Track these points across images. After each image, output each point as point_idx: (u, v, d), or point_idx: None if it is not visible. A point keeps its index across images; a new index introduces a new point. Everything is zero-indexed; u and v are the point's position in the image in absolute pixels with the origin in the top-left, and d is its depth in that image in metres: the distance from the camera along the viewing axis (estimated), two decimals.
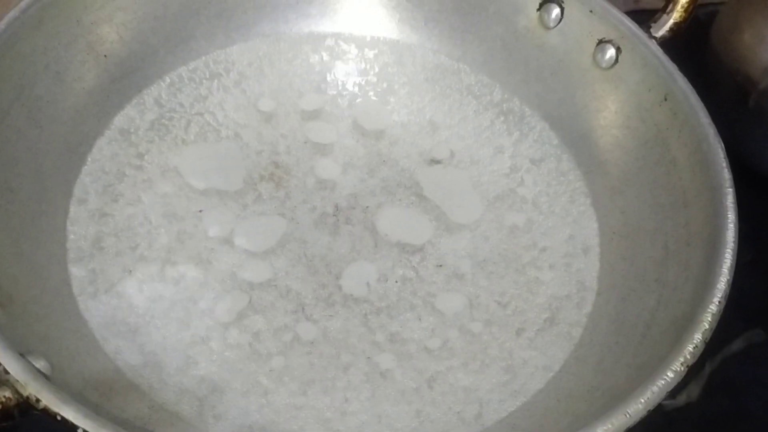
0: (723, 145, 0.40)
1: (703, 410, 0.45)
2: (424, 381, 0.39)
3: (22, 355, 0.30)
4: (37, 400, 0.28)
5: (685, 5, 0.44)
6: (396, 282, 0.43)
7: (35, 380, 0.29)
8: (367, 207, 0.46)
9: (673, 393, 0.45)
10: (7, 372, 0.29)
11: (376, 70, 0.52)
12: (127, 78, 0.47)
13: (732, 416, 0.45)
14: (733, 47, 0.52)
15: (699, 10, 0.62)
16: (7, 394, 0.28)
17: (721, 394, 0.45)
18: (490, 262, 0.44)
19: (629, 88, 0.46)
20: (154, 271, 0.41)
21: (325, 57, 0.52)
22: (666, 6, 0.45)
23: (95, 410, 0.29)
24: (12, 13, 0.41)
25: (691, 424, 0.44)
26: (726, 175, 0.38)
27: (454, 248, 0.44)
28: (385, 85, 0.51)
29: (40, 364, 0.31)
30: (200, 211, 0.44)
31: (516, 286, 0.43)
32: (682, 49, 0.46)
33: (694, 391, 0.46)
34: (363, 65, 0.52)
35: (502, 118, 0.50)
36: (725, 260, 0.34)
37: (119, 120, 0.47)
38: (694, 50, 0.54)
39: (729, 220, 0.36)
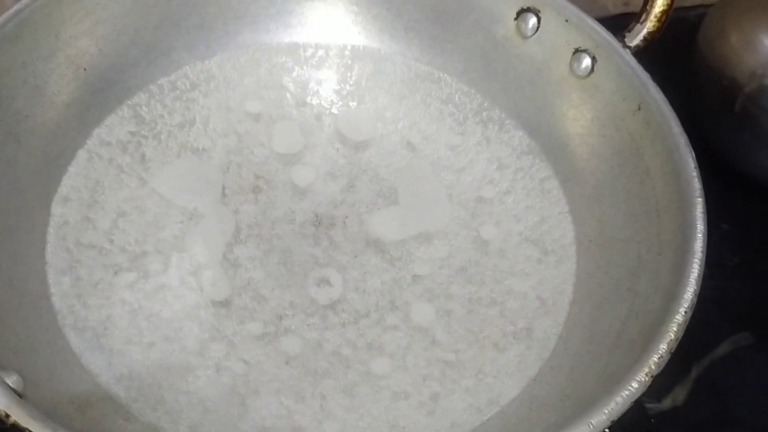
0: (694, 154, 0.40)
1: (689, 414, 0.45)
2: (399, 391, 0.39)
3: None
4: (7, 415, 0.28)
5: (659, 15, 0.44)
6: (373, 291, 0.43)
7: (4, 396, 0.29)
8: (347, 216, 0.47)
9: (659, 397, 0.46)
10: None
11: (357, 79, 0.53)
12: (107, 90, 0.48)
13: (718, 420, 0.45)
14: (719, 51, 0.52)
15: (688, 12, 0.62)
16: None
17: (708, 398, 0.46)
18: (466, 271, 0.44)
19: (605, 97, 0.46)
20: (133, 284, 0.41)
21: (306, 67, 0.53)
22: (640, 16, 0.45)
23: (67, 425, 0.29)
24: None
25: (677, 428, 0.45)
26: (696, 185, 0.39)
27: (431, 257, 0.45)
28: (364, 94, 0.51)
29: (12, 379, 0.31)
30: (180, 222, 0.45)
31: (491, 293, 0.43)
32: (669, 52, 0.46)
33: (680, 394, 0.46)
34: (343, 74, 0.53)
35: (481, 127, 0.50)
36: (692, 270, 0.35)
37: (99, 132, 0.47)
38: (682, 53, 0.55)
39: (698, 230, 0.37)
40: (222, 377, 0.39)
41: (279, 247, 0.44)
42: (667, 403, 0.46)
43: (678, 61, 0.47)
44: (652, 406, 0.46)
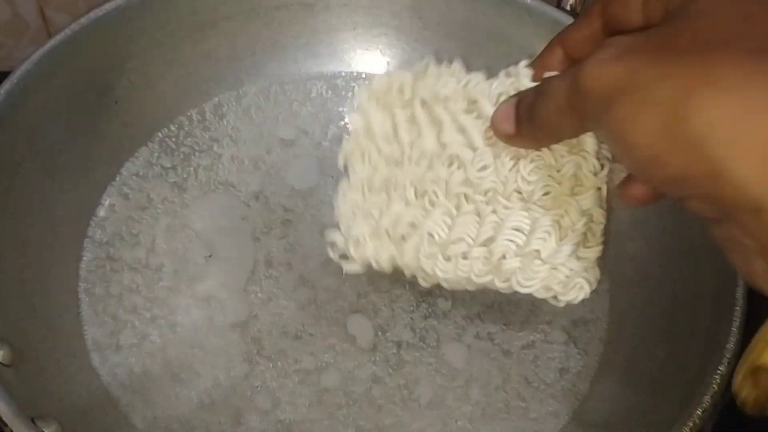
0: None
1: None
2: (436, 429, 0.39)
3: (33, 421, 0.30)
4: None
5: None
6: (408, 326, 0.42)
7: None
8: None
9: None
10: None
11: None
12: (137, 123, 0.48)
13: None
14: None
15: None
16: None
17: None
18: (498, 308, 0.44)
19: None
20: (167, 320, 0.41)
21: (335, 96, 0.53)
22: None
23: None
24: (24, 66, 0.42)
25: None
26: None
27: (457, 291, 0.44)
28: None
29: (52, 428, 0.31)
30: (209, 256, 0.45)
31: (525, 332, 0.43)
32: None
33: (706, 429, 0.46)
34: None
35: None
36: (735, 319, 0.34)
37: (130, 165, 0.47)
38: None
39: (739, 276, 0.36)
40: (254, 416, 0.39)
41: (309, 281, 0.44)
42: None
43: None
44: None
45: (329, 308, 0.43)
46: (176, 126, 0.49)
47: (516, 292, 0.36)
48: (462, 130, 0.37)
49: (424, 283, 0.38)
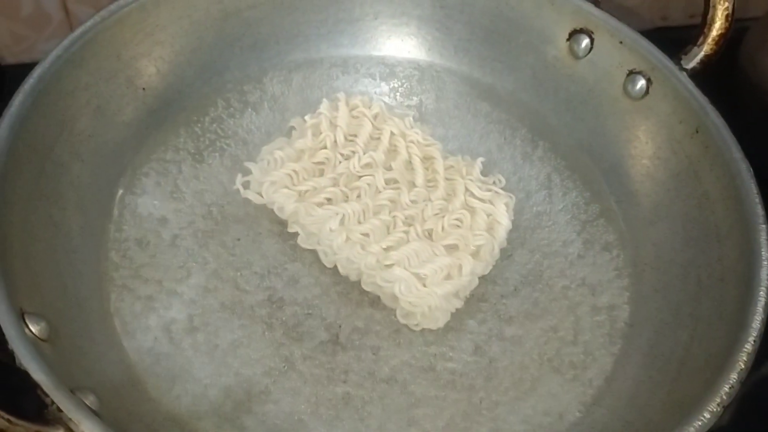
0: (756, 181, 0.40)
1: None
2: (461, 410, 0.40)
3: (72, 391, 0.31)
4: None
5: (716, 38, 0.44)
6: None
7: (88, 418, 0.29)
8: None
9: None
10: (59, 410, 0.29)
11: (406, 97, 0.53)
12: (164, 110, 0.49)
13: None
14: (760, 66, 0.52)
15: None
16: None
17: (752, 418, 0.45)
18: (522, 293, 0.44)
19: (660, 119, 0.46)
20: (194, 301, 0.42)
21: (356, 85, 0.53)
22: (697, 39, 0.45)
23: None
24: (55, 51, 0.43)
25: None
26: (759, 211, 0.38)
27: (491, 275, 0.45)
28: (414, 113, 0.52)
29: (90, 399, 0.32)
30: (238, 240, 0.45)
31: (549, 315, 0.43)
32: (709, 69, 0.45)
33: (724, 415, 0.46)
34: (392, 93, 0.53)
35: (530, 146, 0.51)
36: (760, 299, 0.35)
37: (158, 151, 0.48)
38: (724, 68, 0.54)
39: (763, 258, 0.36)
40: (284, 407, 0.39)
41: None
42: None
43: (719, 76, 0.46)
44: None
45: (354, 289, 0.44)
46: (202, 112, 0.50)
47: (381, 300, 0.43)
48: (410, 168, 0.47)
49: (323, 258, 0.44)
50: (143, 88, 0.48)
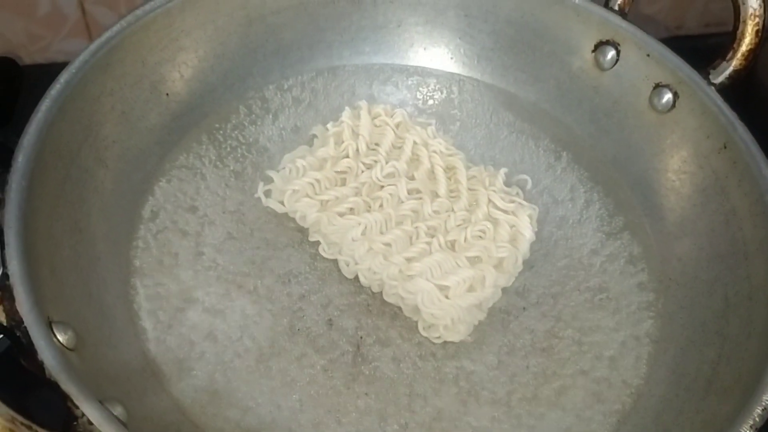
0: None
1: None
2: (483, 425, 0.39)
3: (101, 402, 0.31)
4: None
5: (746, 54, 0.44)
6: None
7: (118, 430, 0.29)
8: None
9: None
10: (90, 423, 0.29)
11: (428, 106, 0.53)
12: (187, 115, 0.49)
13: None
14: None
15: None
16: None
17: None
18: (544, 304, 0.44)
19: (686, 133, 0.46)
20: (217, 310, 0.42)
21: (379, 92, 0.53)
22: (726, 53, 0.45)
23: None
24: (81, 57, 0.43)
25: None
26: None
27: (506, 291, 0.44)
28: (435, 121, 0.51)
29: (118, 410, 0.31)
30: (258, 248, 0.45)
31: (573, 329, 0.43)
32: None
33: None
34: (414, 101, 0.53)
35: (553, 157, 0.50)
36: None
37: (180, 157, 0.47)
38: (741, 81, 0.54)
39: None
40: (307, 416, 0.39)
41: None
42: None
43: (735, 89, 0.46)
44: None
45: (376, 300, 0.43)
46: (224, 119, 0.50)
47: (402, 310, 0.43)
48: (433, 178, 0.47)
49: (344, 269, 0.44)
50: (167, 94, 0.48)
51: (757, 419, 0.32)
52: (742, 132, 0.43)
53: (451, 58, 0.54)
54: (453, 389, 0.40)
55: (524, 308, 0.44)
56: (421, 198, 0.46)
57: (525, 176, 0.49)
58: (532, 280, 0.45)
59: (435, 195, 0.46)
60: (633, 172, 0.49)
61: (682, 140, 0.46)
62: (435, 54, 0.54)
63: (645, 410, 0.39)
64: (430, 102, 0.53)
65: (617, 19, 0.48)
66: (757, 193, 0.41)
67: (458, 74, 0.54)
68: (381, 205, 0.45)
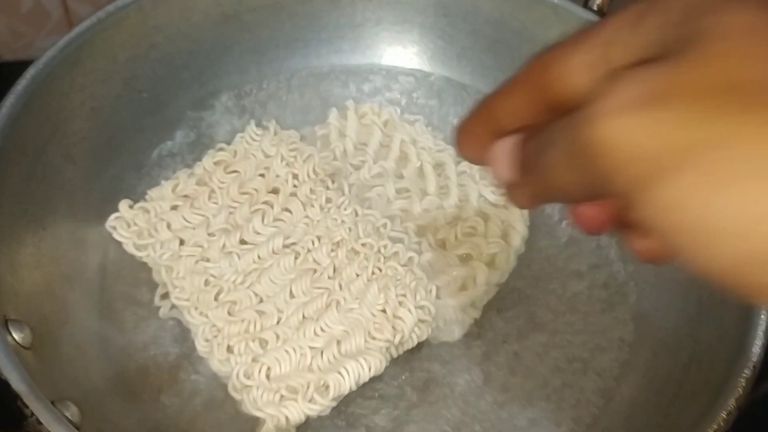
0: None
1: None
2: (457, 419, 0.39)
3: (53, 403, 0.30)
4: None
5: None
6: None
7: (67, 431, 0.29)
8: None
9: None
10: (39, 422, 0.29)
11: (406, 104, 0.52)
12: (160, 113, 0.48)
13: None
14: None
15: None
16: None
17: None
18: (517, 306, 0.43)
19: None
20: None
21: (355, 91, 0.52)
22: None
23: None
24: (49, 52, 0.42)
25: None
26: None
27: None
28: (413, 120, 0.51)
29: (71, 411, 0.31)
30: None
31: (545, 333, 0.42)
32: None
33: None
34: (393, 101, 0.52)
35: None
36: (761, 323, 0.34)
37: (153, 154, 0.47)
38: None
39: None
40: None
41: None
42: None
43: None
44: None
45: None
46: (198, 117, 0.49)
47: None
48: (422, 175, 0.46)
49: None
50: (139, 91, 0.47)
51: (722, 423, 0.31)
52: None
53: (431, 58, 0.54)
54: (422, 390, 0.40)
55: (498, 310, 0.43)
56: (409, 197, 0.45)
57: None
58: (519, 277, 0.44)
59: (424, 193, 0.45)
60: None
61: None
62: (414, 53, 0.54)
63: (615, 414, 0.38)
64: (409, 102, 0.52)
65: (596, 19, 0.48)
66: None
67: (437, 74, 0.53)
68: (369, 206, 0.44)
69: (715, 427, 0.31)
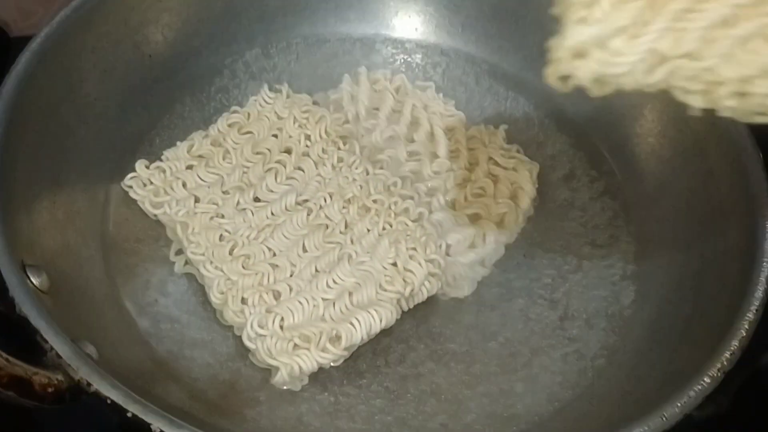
0: (761, 156, 0.40)
1: (731, 422, 0.44)
2: (462, 382, 0.39)
3: (73, 340, 0.31)
4: (89, 384, 0.29)
5: None
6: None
7: (86, 365, 0.29)
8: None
9: (702, 405, 0.46)
10: (59, 356, 0.29)
11: (412, 73, 0.53)
12: (170, 78, 0.49)
13: (761, 429, 0.44)
14: None
15: None
16: (60, 377, 0.29)
17: (751, 406, 0.45)
18: (525, 266, 0.44)
19: (667, 96, 0.46)
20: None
21: (362, 60, 0.53)
22: None
23: (142, 395, 0.30)
24: (63, 12, 0.43)
25: None
26: (764, 185, 0.38)
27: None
28: (425, 86, 0.51)
29: (89, 350, 0.31)
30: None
31: (551, 289, 0.43)
32: None
33: (723, 402, 0.46)
34: (399, 68, 0.53)
35: (536, 125, 0.50)
36: (763, 269, 0.35)
37: (162, 118, 0.48)
38: None
39: (767, 230, 0.36)
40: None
41: None
42: (710, 410, 0.45)
43: None
44: (695, 413, 0.46)
45: None
46: (208, 82, 0.50)
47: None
48: (432, 138, 0.46)
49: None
50: (150, 55, 0.48)
51: (725, 363, 0.32)
52: None
53: (437, 26, 0.54)
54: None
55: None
56: (420, 159, 0.46)
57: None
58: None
59: (435, 156, 0.46)
60: (614, 138, 0.49)
61: (663, 104, 0.46)
62: (420, 22, 0.54)
63: (620, 365, 0.39)
64: (414, 70, 0.53)
65: None
66: (735, 152, 0.41)
67: (443, 42, 0.54)
68: (381, 167, 0.45)
69: (719, 366, 0.32)
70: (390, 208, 0.42)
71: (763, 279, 0.34)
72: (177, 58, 0.49)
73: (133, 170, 0.44)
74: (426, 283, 0.40)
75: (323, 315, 0.38)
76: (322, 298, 0.39)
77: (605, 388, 0.38)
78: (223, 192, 0.43)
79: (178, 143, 0.46)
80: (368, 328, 0.38)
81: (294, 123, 0.46)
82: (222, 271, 0.40)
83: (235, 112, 0.47)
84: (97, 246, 0.41)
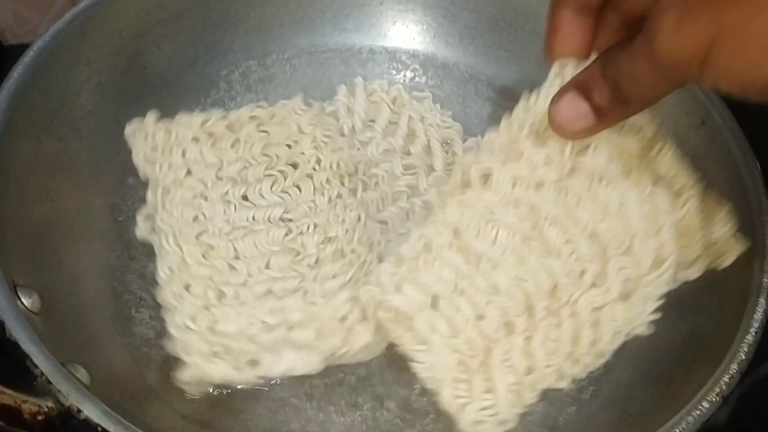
0: (761, 171, 0.39)
1: None
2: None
3: (62, 364, 0.30)
4: (79, 411, 0.29)
5: None
6: None
7: (77, 390, 0.29)
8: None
9: None
10: (49, 382, 0.29)
11: (408, 83, 0.52)
12: (165, 89, 0.48)
13: None
14: None
15: None
16: (50, 404, 0.29)
17: (749, 418, 0.45)
18: None
19: (665, 110, 0.46)
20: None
21: (359, 70, 0.53)
22: None
23: (133, 422, 0.29)
24: (57, 25, 0.42)
25: None
26: (764, 203, 0.38)
27: None
28: (422, 97, 0.51)
29: (80, 373, 0.31)
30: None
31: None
32: None
33: (722, 414, 0.45)
34: (396, 78, 0.53)
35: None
36: (763, 289, 0.34)
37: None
38: None
39: (767, 249, 0.36)
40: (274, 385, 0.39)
41: None
42: (709, 422, 0.45)
43: None
44: None
45: None
46: (204, 94, 0.50)
47: None
48: (429, 152, 0.46)
49: None
50: (144, 67, 0.47)
51: (724, 387, 0.32)
52: (720, 108, 0.42)
53: (434, 37, 0.54)
54: None
55: None
56: (416, 173, 0.45)
57: None
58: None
59: (431, 169, 0.46)
60: None
61: (661, 117, 0.46)
62: (417, 32, 0.54)
63: (617, 383, 0.39)
64: (411, 81, 0.53)
65: None
66: (733, 168, 0.40)
67: (440, 53, 0.53)
68: (377, 183, 0.45)
69: (717, 390, 0.31)
70: (365, 263, 0.40)
71: (762, 300, 0.34)
72: (171, 69, 0.49)
73: (134, 172, 0.44)
74: (364, 351, 0.37)
75: (254, 336, 0.36)
76: (262, 321, 0.36)
77: (601, 409, 0.38)
78: (217, 177, 0.42)
79: (196, 111, 0.45)
80: (290, 368, 0.36)
81: (312, 142, 0.44)
82: (181, 249, 0.38)
83: (260, 107, 0.45)
84: (91, 264, 0.41)
